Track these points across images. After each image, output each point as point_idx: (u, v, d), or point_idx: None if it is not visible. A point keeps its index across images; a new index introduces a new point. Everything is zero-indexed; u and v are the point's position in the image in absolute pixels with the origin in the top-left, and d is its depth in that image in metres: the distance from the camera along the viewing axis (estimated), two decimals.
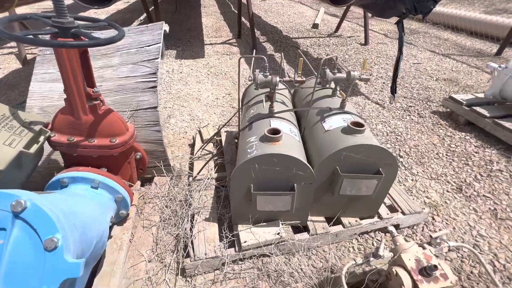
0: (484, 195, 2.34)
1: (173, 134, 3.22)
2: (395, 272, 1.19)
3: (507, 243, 1.95)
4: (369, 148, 1.57)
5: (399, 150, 2.92)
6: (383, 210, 1.99)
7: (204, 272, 1.73)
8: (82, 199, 1.43)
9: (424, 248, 1.30)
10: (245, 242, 1.72)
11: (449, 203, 2.28)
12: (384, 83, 4.44)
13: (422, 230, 2.04)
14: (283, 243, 1.75)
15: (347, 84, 1.97)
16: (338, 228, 1.88)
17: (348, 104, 2.12)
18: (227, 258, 1.66)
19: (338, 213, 1.90)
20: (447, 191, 2.40)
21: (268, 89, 1.87)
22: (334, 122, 1.84)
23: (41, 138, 1.48)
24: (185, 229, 1.87)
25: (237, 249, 1.73)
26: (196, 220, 1.91)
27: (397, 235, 1.37)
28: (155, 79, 2.08)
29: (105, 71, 2.17)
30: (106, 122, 1.63)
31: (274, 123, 1.80)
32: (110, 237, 1.83)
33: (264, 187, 1.62)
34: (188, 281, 1.70)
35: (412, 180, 2.52)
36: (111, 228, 1.88)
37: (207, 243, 1.76)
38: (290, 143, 1.66)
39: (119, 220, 1.89)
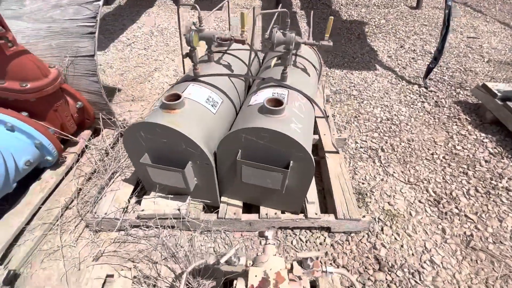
0: (466, 216, 1.85)
1: (150, 88, 3.13)
2: (234, 284, 0.99)
3: (463, 279, 1.55)
4: (274, 134, 1.25)
5: (386, 142, 2.42)
6: (313, 208, 1.70)
7: (108, 230, 1.73)
8: None
9: (291, 267, 1.05)
10: (142, 210, 1.64)
11: (413, 216, 1.86)
12: (413, 59, 3.62)
13: (360, 240, 1.72)
14: (184, 219, 1.63)
15: (285, 51, 1.57)
16: (253, 217, 1.68)
17: (301, 77, 1.73)
18: (120, 221, 1.62)
19: (256, 201, 1.68)
20: (420, 201, 1.96)
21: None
22: (262, 96, 1.51)
23: None
24: (102, 185, 1.86)
25: (136, 216, 1.67)
26: (114, 178, 1.88)
27: (269, 243, 1.13)
28: (93, 24, 1.91)
29: (55, 11, 2.07)
30: (15, 64, 1.57)
31: (191, 89, 1.55)
32: (39, 178, 1.92)
33: (158, 158, 1.46)
34: (92, 235, 1.73)
35: (381, 180, 2.10)
36: (42, 170, 1.96)
37: (113, 203, 1.73)
38: (192, 115, 1.42)
39: (49, 165, 1.95)
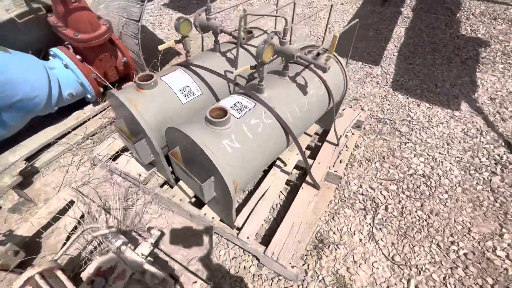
0: None
1: None
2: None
3: None
4: (194, 145, 1.21)
5: (398, 201, 1.93)
6: (248, 230, 1.60)
7: (99, 167, 2.12)
8: (32, 69, 1.94)
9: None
10: (116, 163, 1.92)
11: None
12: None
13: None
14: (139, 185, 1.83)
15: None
16: (196, 211, 1.72)
17: (291, 94, 1.53)
18: (102, 164, 1.96)
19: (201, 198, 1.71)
20: None
21: None
22: (226, 101, 1.44)
23: (33, 14, 2.02)
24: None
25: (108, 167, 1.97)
26: None
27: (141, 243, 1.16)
28: None
29: None
30: (73, 16, 1.97)
31: (174, 73, 1.62)
32: (81, 108, 2.45)
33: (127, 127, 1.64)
34: (89, 167, 2.15)
35: (359, 240, 1.74)
36: (86, 103, 2.48)
37: (107, 149, 2.08)
38: (157, 98, 1.49)
39: (90, 101, 2.46)
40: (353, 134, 2.35)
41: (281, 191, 2.01)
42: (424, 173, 2.11)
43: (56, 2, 1.91)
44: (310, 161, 2.02)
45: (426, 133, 2.41)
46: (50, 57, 2.19)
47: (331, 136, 2.16)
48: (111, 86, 2.43)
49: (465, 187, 2.01)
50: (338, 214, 1.88)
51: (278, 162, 1.97)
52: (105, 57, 2.29)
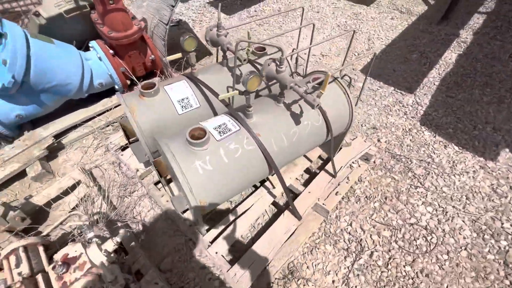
0: None
1: None
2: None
3: None
4: (167, 161, 1.28)
5: (388, 251, 1.79)
6: (214, 248, 1.64)
7: (111, 154, 2.35)
8: (69, 59, 2.21)
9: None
10: (122, 155, 2.10)
11: None
12: None
13: None
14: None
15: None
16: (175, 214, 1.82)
17: (280, 122, 1.51)
18: (113, 153, 2.16)
19: None
20: None
21: None
22: (213, 121, 1.48)
23: (79, 10, 2.27)
24: None
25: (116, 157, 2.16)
26: None
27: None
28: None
29: None
30: (109, 16, 2.18)
31: (177, 84, 1.70)
32: (110, 97, 2.72)
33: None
34: (104, 150, 2.39)
35: (332, 281, 1.67)
36: (114, 92, 2.74)
37: (119, 138, 2.28)
38: (156, 107, 1.59)
39: (119, 91, 2.71)
40: (359, 166, 2.22)
41: (266, 211, 2.01)
42: (428, 225, 1.91)
43: (96, 2, 2.13)
44: (301, 188, 1.97)
45: (444, 181, 2.16)
46: (90, 49, 2.46)
47: (331, 165, 2.07)
48: (137, 81, 2.64)
49: (472, 252, 1.78)
50: (318, 248, 1.81)
51: (267, 183, 1.96)
52: (134, 54, 2.49)
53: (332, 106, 1.69)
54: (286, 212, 1.81)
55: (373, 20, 4.18)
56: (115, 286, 1.15)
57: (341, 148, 2.19)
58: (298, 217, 1.75)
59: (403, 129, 2.58)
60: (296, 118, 1.56)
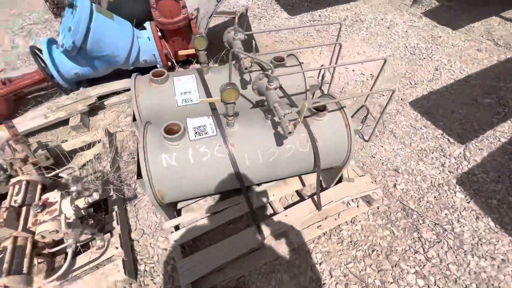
0: None
1: None
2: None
3: None
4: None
5: None
6: (177, 234, 1.73)
7: None
8: (122, 35, 2.52)
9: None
10: None
11: None
12: None
13: None
14: None
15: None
16: None
17: (257, 135, 1.47)
18: None
19: None
20: None
21: None
22: (197, 119, 1.53)
23: None
24: None
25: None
26: None
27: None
28: None
29: None
30: (161, 3, 2.39)
31: (186, 77, 1.80)
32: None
33: None
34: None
35: None
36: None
37: None
38: (160, 94, 1.73)
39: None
40: (357, 206, 2.01)
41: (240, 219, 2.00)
42: None
43: None
44: (281, 208, 1.89)
45: (456, 257, 1.79)
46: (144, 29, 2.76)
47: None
48: (175, 64, 2.86)
49: None
50: (274, 274, 1.74)
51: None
52: (177, 40, 2.69)
53: (328, 135, 1.56)
54: (254, 228, 1.77)
55: (452, 47, 3.57)
56: (69, 238, 1.34)
57: (341, 180, 2.01)
58: (262, 237, 1.70)
59: (431, 182, 2.20)
60: (279, 138, 1.49)
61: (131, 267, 1.71)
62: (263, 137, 1.48)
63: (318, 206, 1.83)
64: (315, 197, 1.86)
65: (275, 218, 1.82)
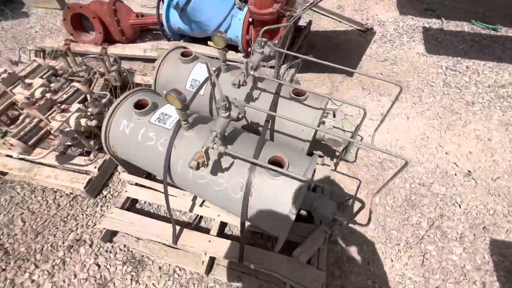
0: None
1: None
2: None
3: None
4: None
5: None
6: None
7: None
8: (219, 10, 2.72)
9: None
10: None
11: None
12: None
13: None
14: None
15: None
16: None
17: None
18: None
19: None
20: None
21: None
22: (170, 109, 1.58)
23: None
24: None
25: None
26: None
27: None
28: None
29: None
30: None
31: (205, 67, 1.83)
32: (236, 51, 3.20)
33: None
34: None
35: None
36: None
37: None
38: (177, 72, 1.85)
39: (241, 52, 3.11)
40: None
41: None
42: None
43: None
44: (215, 230, 1.79)
45: None
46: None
47: None
48: (248, 52, 2.90)
49: None
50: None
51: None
52: (258, 30, 2.68)
53: (270, 200, 1.30)
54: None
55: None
56: (57, 140, 1.78)
57: None
58: (174, 241, 1.69)
59: None
60: (215, 168, 1.36)
61: (96, 188, 2.11)
62: (216, 151, 1.39)
63: (240, 257, 1.62)
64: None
65: (201, 236, 1.74)
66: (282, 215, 1.27)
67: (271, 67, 2.85)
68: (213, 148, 1.19)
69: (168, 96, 1.20)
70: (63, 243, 1.90)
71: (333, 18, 3.95)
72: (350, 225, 1.91)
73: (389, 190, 2.18)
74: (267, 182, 1.30)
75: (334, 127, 1.72)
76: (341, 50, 3.44)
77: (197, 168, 1.12)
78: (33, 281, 1.75)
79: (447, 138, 2.50)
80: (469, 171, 2.28)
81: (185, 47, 2.07)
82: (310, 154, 2.00)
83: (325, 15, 4.01)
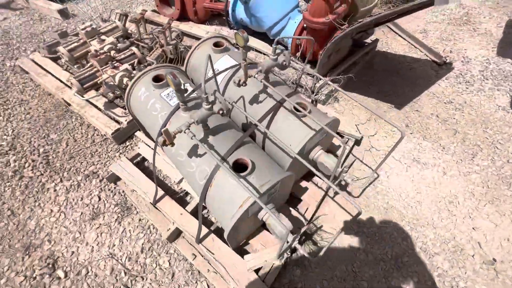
0: None
1: None
2: None
3: None
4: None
5: None
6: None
7: None
8: (277, 10, 2.77)
9: None
10: None
11: None
12: None
13: None
14: None
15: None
16: None
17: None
18: None
19: None
20: None
21: None
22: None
23: None
24: None
25: None
26: None
27: None
28: None
29: None
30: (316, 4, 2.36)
31: (227, 59, 1.95)
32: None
33: None
34: None
35: None
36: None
37: None
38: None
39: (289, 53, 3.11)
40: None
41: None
42: None
43: None
44: None
45: None
46: None
47: None
48: (300, 59, 2.89)
49: None
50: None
51: None
52: (309, 40, 2.63)
53: (224, 193, 1.38)
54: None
55: None
56: (103, 88, 2.17)
57: None
58: (153, 201, 1.91)
59: None
60: (192, 151, 1.49)
61: (122, 137, 2.49)
62: (188, 136, 1.53)
63: (197, 237, 1.74)
64: None
65: (176, 207, 1.92)
66: (231, 214, 1.33)
67: (309, 74, 2.80)
68: (185, 133, 1.31)
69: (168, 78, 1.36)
70: (84, 171, 2.34)
71: (408, 42, 3.55)
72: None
73: (381, 239, 1.97)
74: (227, 180, 1.37)
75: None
76: (401, 78, 3.10)
77: (163, 144, 1.26)
78: (55, 190, 2.22)
79: (484, 213, 2.08)
80: (494, 259, 1.88)
81: (224, 37, 2.22)
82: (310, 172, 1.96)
83: (400, 36, 3.64)
